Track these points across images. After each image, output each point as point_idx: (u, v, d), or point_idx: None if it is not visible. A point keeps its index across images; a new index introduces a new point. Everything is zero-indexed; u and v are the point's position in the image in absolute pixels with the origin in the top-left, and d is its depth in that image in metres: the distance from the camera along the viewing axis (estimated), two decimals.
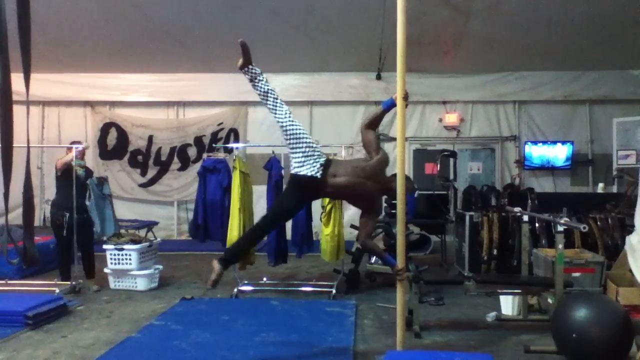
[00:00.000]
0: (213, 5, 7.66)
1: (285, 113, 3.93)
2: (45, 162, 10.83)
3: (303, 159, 3.91)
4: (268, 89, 3.96)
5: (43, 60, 9.19)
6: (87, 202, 6.49)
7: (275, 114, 3.96)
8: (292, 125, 3.91)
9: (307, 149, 3.92)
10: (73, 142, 6.88)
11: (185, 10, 7.70)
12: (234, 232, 6.28)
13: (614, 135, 9.75)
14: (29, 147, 2.42)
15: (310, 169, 3.89)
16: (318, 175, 3.88)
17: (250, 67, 3.96)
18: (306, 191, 4.02)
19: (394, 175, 4.03)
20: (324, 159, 3.97)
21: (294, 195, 4.06)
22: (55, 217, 6.56)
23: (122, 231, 7.29)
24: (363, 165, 4.02)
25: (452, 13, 7.71)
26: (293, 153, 3.94)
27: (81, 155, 6.68)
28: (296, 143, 3.91)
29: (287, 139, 3.94)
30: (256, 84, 3.97)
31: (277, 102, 3.95)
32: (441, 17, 7.88)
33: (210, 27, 8.28)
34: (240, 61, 3.95)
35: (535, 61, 9.86)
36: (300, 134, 3.91)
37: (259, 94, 3.99)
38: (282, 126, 3.94)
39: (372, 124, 4.19)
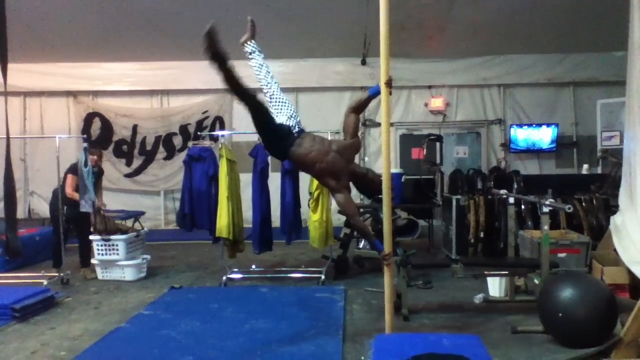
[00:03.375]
0: None
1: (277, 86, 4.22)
2: (28, 153, 10.70)
3: (287, 119, 4.11)
4: (264, 63, 4.23)
5: (23, 50, 9.02)
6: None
7: (269, 88, 4.19)
8: (277, 88, 4.21)
9: (292, 112, 4.17)
10: (93, 147, 6.99)
11: None
12: (222, 221, 6.27)
13: (598, 117, 9.81)
14: (8, 138, 2.38)
15: (292, 125, 4.10)
16: (294, 131, 4.06)
17: (254, 41, 4.27)
18: (278, 135, 4.07)
19: (367, 169, 4.29)
20: (300, 128, 4.15)
21: (271, 123, 4.06)
22: (53, 208, 6.76)
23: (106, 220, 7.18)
24: (332, 140, 4.24)
25: None
26: (279, 113, 4.13)
27: (94, 162, 6.81)
28: (281, 106, 4.15)
29: (271, 100, 4.17)
30: (256, 56, 4.24)
31: (269, 75, 4.21)
32: (425, 1, 7.85)
33: (193, 13, 8.16)
34: (247, 35, 4.24)
35: (519, 44, 9.87)
36: (285, 100, 4.20)
37: (257, 65, 4.20)
38: (271, 95, 4.18)
39: (357, 108, 4.24)
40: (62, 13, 8.08)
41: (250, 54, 4.26)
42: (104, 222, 6.68)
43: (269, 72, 4.21)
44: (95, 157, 6.84)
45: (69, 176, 6.66)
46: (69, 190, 6.61)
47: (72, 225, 6.80)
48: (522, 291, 5.61)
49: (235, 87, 3.79)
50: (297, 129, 4.10)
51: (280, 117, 4.10)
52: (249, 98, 3.94)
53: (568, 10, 8.17)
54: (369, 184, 4.20)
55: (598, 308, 4.02)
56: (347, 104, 10.53)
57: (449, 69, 10.61)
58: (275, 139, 4.13)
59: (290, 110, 4.16)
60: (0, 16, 2.15)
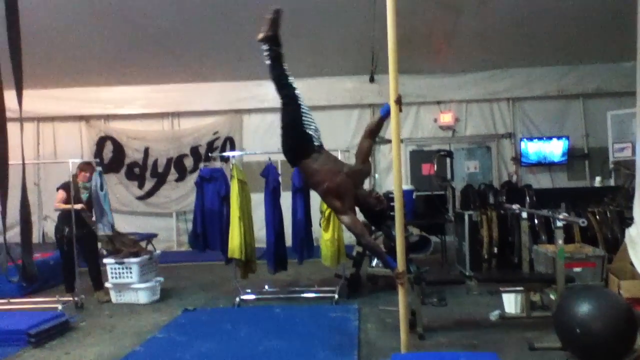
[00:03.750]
0: (203, 14, 7.66)
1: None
2: (42, 178, 10.80)
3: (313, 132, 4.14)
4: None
5: (35, 75, 9.17)
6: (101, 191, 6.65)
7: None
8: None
9: (317, 126, 4.19)
10: (85, 163, 6.95)
11: (176, 19, 7.70)
12: (235, 241, 6.28)
13: (609, 128, 9.76)
14: (24, 164, 2.41)
15: (315, 137, 4.12)
16: (315, 144, 4.10)
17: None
18: (301, 141, 4.09)
19: (371, 191, 4.34)
20: (321, 143, 4.20)
21: (300, 125, 4.08)
22: (57, 231, 6.75)
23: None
24: (345, 163, 4.28)
25: (443, 11, 7.72)
26: (307, 121, 4.13)
27: (87, 178, 6.80)
28: (307, 117, 4.16)
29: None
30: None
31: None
32: (432, 16, 7.89)
33: (201, 36, 8.28)
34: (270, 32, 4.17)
35: (527, 57, 9.87)
36: (309, 112, 4.21)
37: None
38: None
39: (373, 132, 4.25)
40: (73, 38, 8.21)
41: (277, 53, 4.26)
42: (120, 242, 6.71)
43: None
44: (87, 173, 6.82)
45: (60, 191, 6.71)
46: (56, 203, 6.65)
47: (80, 246, 6.71)
48: (538, 307, 5.54)
49: (279, 75, 3.85)
50: (318, 143, 4.14)
51: (307, 127, 4.10)
52: (289, 89, 4.04)
53: (575, 21, 8.16)
54: (375, 205, 4.15)
55: (616, 323, 3.95)
56: (356, 122, 10.64)
57: (457, 83, 10.61)
58: (296, 143, 4.16)
59: (315, 123, 4.17)
60: (16, 43, 2.19)
